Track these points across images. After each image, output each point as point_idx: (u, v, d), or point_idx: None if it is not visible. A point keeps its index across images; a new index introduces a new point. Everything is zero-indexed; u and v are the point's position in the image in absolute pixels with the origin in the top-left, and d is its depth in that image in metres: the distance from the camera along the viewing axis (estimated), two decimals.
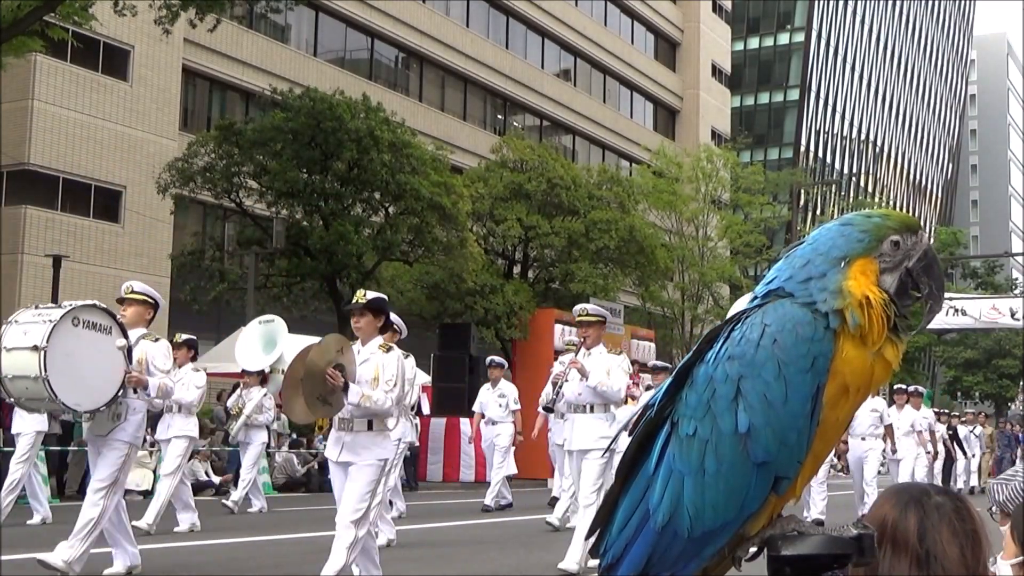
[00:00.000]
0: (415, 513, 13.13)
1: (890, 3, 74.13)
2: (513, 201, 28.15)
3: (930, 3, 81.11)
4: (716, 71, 53.36)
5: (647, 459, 1.89)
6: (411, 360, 8.68)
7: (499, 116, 41.23)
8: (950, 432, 22.41)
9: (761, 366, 1.79)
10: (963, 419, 24.51)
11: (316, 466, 17.93)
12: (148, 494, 14.78)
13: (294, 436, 19.38)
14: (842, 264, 1.83)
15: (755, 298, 1.93)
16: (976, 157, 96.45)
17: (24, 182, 25.41)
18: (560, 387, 8.70)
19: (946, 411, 25.19)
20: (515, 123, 41.45)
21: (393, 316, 7.69)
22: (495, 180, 28.72)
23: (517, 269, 30.10)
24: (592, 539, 1.95)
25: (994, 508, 2.95)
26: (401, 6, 35.55)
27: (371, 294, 6.77)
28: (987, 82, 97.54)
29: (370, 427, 6.54)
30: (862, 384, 1.83)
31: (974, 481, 23.55)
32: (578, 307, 8.99)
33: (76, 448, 14.88)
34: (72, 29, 20.95)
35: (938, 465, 20.18)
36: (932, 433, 16.53)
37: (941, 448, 19.81)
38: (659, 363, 14.91)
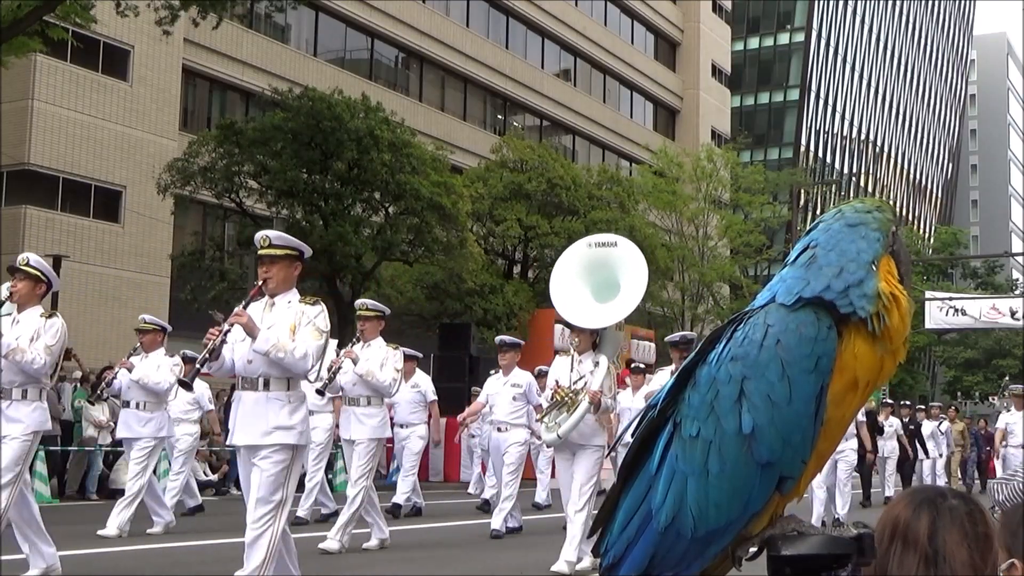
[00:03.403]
0: (415, 513, 13.12)
1: (890, 3, 74.11)
2: (513, 201, 28.16)
3: (930, 3, 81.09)
4: (716, 71, 53.35)
5: (649, 459, 1.89)
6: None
7: (499, 116, 41.23)
8: (912, 428, 19.92)
9: (765, 367, 1.79)
10: (929, 413, 21.36)
11: None
12: None
13: None
14: (873, 267, 1.84)
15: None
16: (976, 157, 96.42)
17: (24, 182, 25.41)
18: (334, 374, 8.69)
19: (906, 403, 22.44)
20: (515, 123, 41.45)
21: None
22: (495, 180, 28.73)
23: (517, 269, 30.10)
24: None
25: (995, 508, 2.95)
26: (401, 6, 35.55)
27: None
28: (987, 82, 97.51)
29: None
30: (872, 379, 1.84)
31: (942, 483, 19.51)
32: (359, 301, 9.40)
33: (77, 448, 14.88)
34: (72, 29, 20.95)
35: (891, 465, 18.72)
36: (871, 428, 16.07)
37: (894, 445, 18.51)
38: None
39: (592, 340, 7.93)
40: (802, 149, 63.63)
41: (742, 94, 63.13)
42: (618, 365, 12.51)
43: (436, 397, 12.98)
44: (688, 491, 1.81)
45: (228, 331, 5.48)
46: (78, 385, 15.35)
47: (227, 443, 6.12)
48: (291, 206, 23.41)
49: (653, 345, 26.98)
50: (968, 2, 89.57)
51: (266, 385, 5.65)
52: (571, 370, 7.86)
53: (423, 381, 12.72)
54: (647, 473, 1.88)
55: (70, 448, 14.90)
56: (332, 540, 8.63)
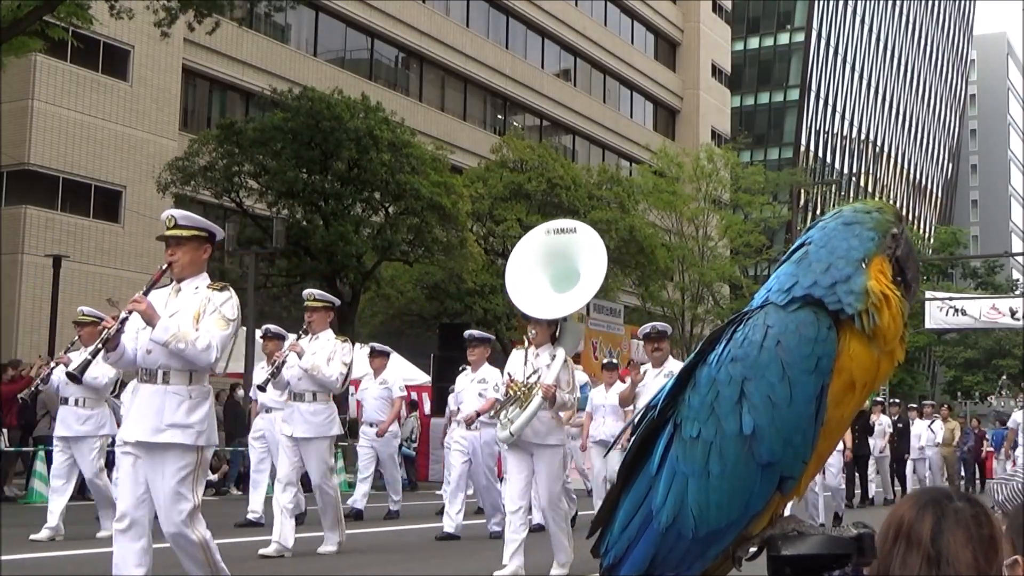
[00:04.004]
0: (415, 513, 13.11)
1: (890, 3, 74.10)
2: (513, 201, 28.17)
3: (930, 3, 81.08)
4: (716, 71, 53.36)
5: (649, 460, 1.89)
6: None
7: (499, 116, 41.24)
8: (900, 426, 18.92)
9: (765, 367, 1.79)
10: (922, 412, 20.49)
11: None
12: None
13: None
14: (863, 265, 1.84)
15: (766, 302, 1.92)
16: (976, 157, 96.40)
17: (24, 182, 25.41)
18: (278, 368, 8.37)
19: (895, 400, 21.42)
20: (515, 123, 41.45)
21: None
22: (495, 180, 28.74)
23: None
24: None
25: (995, 508, 2.95)
26: (401, 6, 35.55)
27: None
28: (987, 82, 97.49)
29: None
30: (869, 380, 1.84)
31: (933, 483, 18.65)
32: (306, 292, 8.86)
33: None
34: (72, 29, 20.95)
35: (884, 464, 18.06)
36: (863, 428, 15.90)
37: (884, 444, 17.87)
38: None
39: (550, 332, 7.40)
40: (802, 149, 63.62)
41: (742, 94, 63.12)
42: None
43: (404, 394, 12.55)
44: (689, 492, 1.81)
45: (126, 319, 5.04)
46: None
47: (119, 438, 5.29)
48: (291, 206, 23.42)
49: None
50: (968, 2, 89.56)
51: (165, 378, 5.14)
52: (525, 363, 7.34)
53: (392, 377, 12.18)
54: (647, 474, 1.88)
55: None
56: (328, 544, 8.56)
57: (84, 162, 26.14)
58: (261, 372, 9.21)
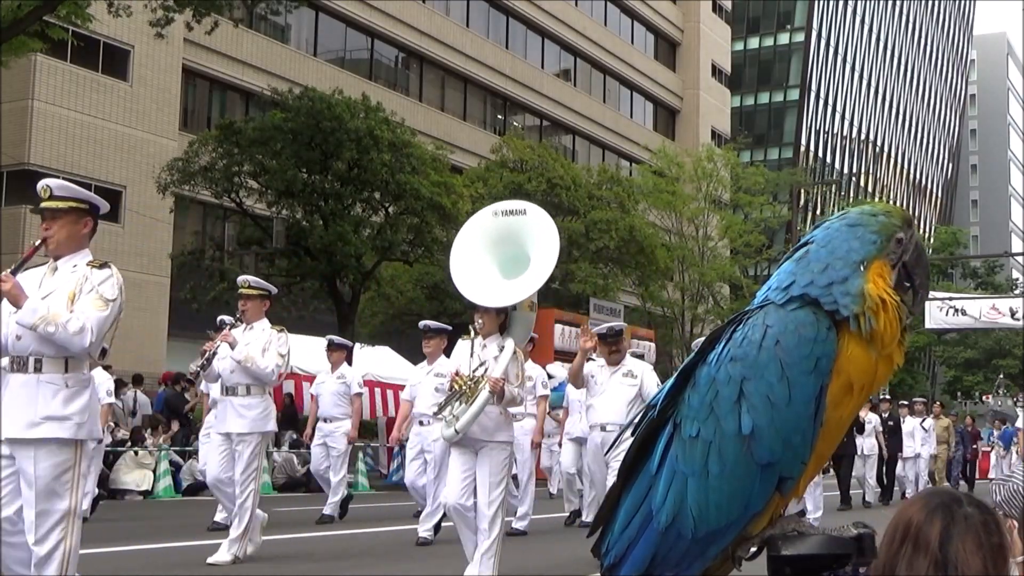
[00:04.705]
0: (415, 513, 13.10)
1: (890, 3, 74.11)
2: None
3: (930, 3, 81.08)
4: (716, 71, 53.36)
5: (649, 460, 1.89)
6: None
7: (499, 116, 41.24)
8: (891, 424, 17.99)
9: (764, 367, 1.79)
10: (912, 409, 19.38)
11: None
12: (148, 494, 14.80)
13: (294, 436, 19.34)
14: (861, 267, 1.83)
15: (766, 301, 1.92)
16: (976, 157, 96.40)
17: (24, 182, 25.39)
18: (208, 359, 7.79)
19: (886, 397, 20.34)
20: (515, 123, 41.45)
21: None
22: (495, 180, 28.73)
23: None
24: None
25: (995, 509, 2.95)
26: (401, 6, 35.55)
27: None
28: (987, 82, 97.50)
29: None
30: (866, 382, 1.84)
31: (923, 483, 18.33)
32: (240, 278, 8.28)
33: None
34: (72, 29, 20.95)
35: (871, 464, 17.21)
36: (853, 426, 15.57)
37: (873, 443, 17.10)
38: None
39: (499, 322, 6.79)
40: (802, 149, 63.62)
41: (742, 94, 63.12)
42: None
43: (363, 391, 11.86)
44: (688, 492, 1.81)
45: None
46: None
47: None
48: (291, 206, 23.42)
49: (653, 345, 26.99)
50: (968, 2, 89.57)
51: (37, 366, 4.56)
52: (471, 355, 6.73)
53: (350, 372, 11.54)
54: (647, 473, 1.88)
55: None
56: (222, 554, 7.67)
57: (84, 162, 26.14)
58: (192, 365, 8.45)
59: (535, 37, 42.55)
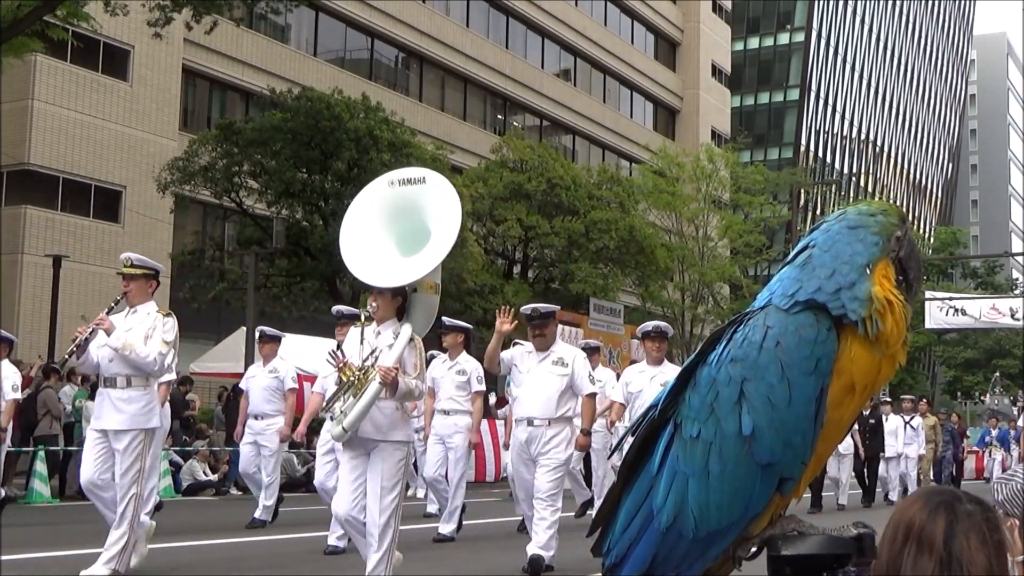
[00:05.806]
0: (415, 513, 13.10)
1: (890, 3, 74.11)
2: (513, 201, 28.17)
3: (930, 3, 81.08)
4: (716, 71, 53.37)
5: (650, 460, 1.89)
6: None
7: (499, 116, 41.24)
8: (872, 423, 16.92)
9: (764, 368, 1.79)
10: (899, 407, 18.56)
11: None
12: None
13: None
14: (867, 271, 1.84)
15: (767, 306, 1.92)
16: (976, 157, 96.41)
17: (24, 182, 25.41)
18: (79, 346, 6.75)
19: (887, 400, 19.31)
20: (515, 123, 41.46)
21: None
22: (495, 180, 28.74)
23: (517, 269, 30.10)
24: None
25: (995, 508, 2.95)
26: (401, 6, 35.56)
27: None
28: (987, 82, 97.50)
29: None
30: (869, 383, 1.84)
31: (911, 484, 17.53)
32: (122, 256, 7.26)
33: (77, 448, 14.87)
34: (72, 29, 20.95)
35: (847, 464, 15.95)
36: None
37: (849, 442, 15.70)
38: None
39: (396, 305, 6.00)
40: (802, 149, 63.62)
41: (742, 94, 63.12)
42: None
43: (296, 386, 10.80)
44: (689, 492, 1.81)
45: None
46: (79, 385, 15.35)
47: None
48: (291, 206, 23.43)
49: None
50: (968, 2, 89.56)
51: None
52: (362, 343, 5.93)
53: (283, 367, 10.62)
54: (648, 473, 1.88)
55: (71, 448, 14.90)
56: (100, 565, 6.63)
57: (84, 162, 26.14)
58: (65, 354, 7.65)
59: (535, 37, 42.56)
